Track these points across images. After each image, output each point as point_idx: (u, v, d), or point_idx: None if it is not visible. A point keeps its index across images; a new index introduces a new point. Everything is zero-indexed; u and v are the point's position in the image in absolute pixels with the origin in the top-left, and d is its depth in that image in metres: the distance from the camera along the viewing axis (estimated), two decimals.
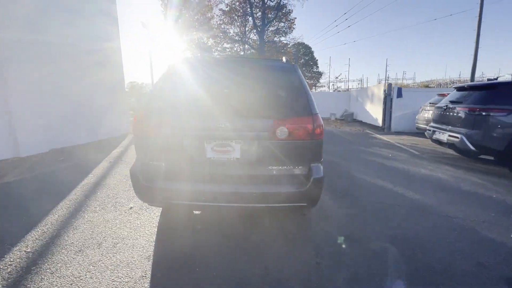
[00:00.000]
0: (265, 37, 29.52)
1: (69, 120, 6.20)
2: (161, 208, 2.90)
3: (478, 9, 16.25)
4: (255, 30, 29.89)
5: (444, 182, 4.00)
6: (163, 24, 23.14)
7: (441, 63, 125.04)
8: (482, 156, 4.66)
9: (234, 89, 2.31)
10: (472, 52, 16.42)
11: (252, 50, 31.11)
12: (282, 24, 31.50)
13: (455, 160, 5.42)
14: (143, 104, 2.31)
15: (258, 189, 2.08)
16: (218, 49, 31.42)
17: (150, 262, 2.00)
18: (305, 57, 50.36)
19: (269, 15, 29.21)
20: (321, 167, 2.17)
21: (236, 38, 31.66)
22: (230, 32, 31.51)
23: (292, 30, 31.95)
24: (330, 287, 1.77)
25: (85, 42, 6.64)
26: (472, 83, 5.55)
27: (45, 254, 2.07)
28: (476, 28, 16.44)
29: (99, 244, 2.23)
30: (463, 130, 4.64)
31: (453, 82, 46.83)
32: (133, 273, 1.87)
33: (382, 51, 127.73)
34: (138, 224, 2.60)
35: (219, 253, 2.14)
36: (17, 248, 2.15)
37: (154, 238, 2.35)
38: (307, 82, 2.34)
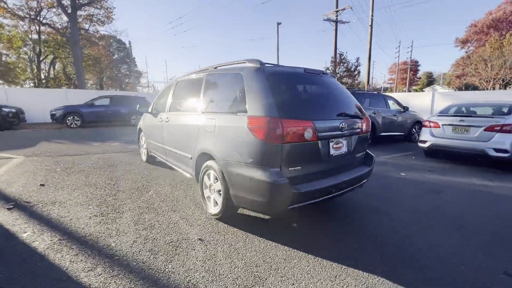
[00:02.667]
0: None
1: None
2: (234, 223, 2.59)
3: (276, 39, 23.05)
4: (59, 9, 23.03)
5: None
6: None
7: None
8: None
9: (329, 95, 2.71)
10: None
11: (59, 37, 23.93)
12: (98, 11, 26.47)
13: None
14: (269, 109, 2.12)
15: (358, 172, 2.73)
16: None
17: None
18: (119, 52, 45.41)
19: None
20: None
21: (21, 13, 22.85)
22: (5, 2, 22.13)
23: (111, 21, 27.63)
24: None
25: None
26: None
27: None
28: (276, 52, 23.33)
29: (263, 280, 1.87)
30: None
31: None
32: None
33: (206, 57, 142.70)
34: (248, 245, 2.26)
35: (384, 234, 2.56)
36: None
37: (284, 248, 2.27)
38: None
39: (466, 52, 31.84)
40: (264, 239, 2.38)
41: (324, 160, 2.42)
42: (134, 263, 1.99)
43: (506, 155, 4.65)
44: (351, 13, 42.13)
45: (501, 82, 23.62)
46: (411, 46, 50.74)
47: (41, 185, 3.69)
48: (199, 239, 2.36)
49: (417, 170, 5.04)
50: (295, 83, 2.53)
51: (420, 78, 63.27)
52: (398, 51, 52.41)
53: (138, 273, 1.87)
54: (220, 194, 2.62)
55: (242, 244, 2.30)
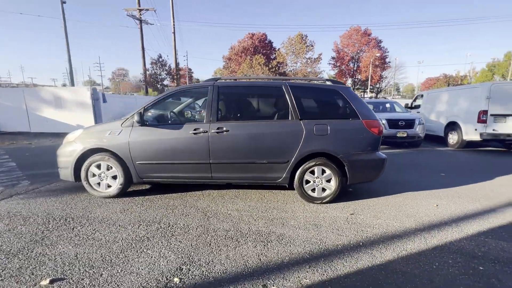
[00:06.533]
0: None
1: None
2: (338, 200, 3.54)
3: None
4: None
5: None
6: None
7: None
8: None
9: None
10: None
11: None
12: None
13: None
14: None
15: None
16: None
17: None
18: None
19: None
20: None
21: None
22: None
23: None
24: None
25: None
26: None
27: None
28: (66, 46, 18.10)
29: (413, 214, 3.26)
30: None
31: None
32: None
33: None
34: (382, 202, 3.41)
35: None
36: None
37: (379, 197, 3.71)
38: None
39: (229, 66, 43.20)
40: (370, 198, 3.63)
41: None
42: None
43: None
44: (157, 16, 40.43)
45: None
46: (186, 55, 58.79)
47: (51, 281, 1.84)
48: (351, 214, 3.14)
49: None
50: None
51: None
52: (181, 58, 58.69)
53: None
54: (329, 182, 3.41)
55: (375, 202, 3.41)
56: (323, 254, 2.27)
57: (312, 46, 39.84)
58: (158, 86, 18.38)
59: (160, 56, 18.75)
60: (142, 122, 3.34)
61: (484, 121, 7.12)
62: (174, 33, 25.22)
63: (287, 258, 2.20)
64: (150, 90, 19.46)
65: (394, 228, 2.78)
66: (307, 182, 3.42)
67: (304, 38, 39.86)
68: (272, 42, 43.65)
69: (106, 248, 2.29)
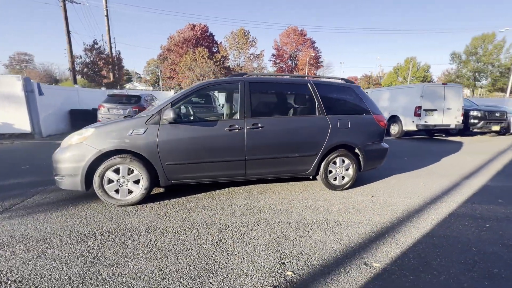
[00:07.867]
0: None
1: None
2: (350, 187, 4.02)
3: None
4: None
5: None
6: None
7: None
8: None
9: None
10: None
11: None
12: None
13: None
14: None
15: None
16: None
17: None
18: None
19: None
20: None
21: None
22: None
23: None
24: None
25: None
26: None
27: None
28: None
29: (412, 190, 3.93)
30: None
31: None
32: None
33: None
34: (394, 183, 3.97)
35: None
36: None
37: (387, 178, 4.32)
38: None
39: (168, 57, 40.35)
40: (372, 182, 4.19)
41: None
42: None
43: None
44: None
45: None
46: (114, 42, 52.09)
47: None
48: (372, 196, 3.62)
49: None
50: None
51: (123, 75, 67.55)
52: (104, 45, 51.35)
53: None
54: (348, 170, 3.84)
55: (380, 185, 3.97)
56: (382, 232, 2.63)
57: (254, 42, 40.70)
58: (96, 77, 15.88)
59: (95, 42, 16.14)
60: (173, 120, 3.05)
61: (419, 115, 8.87)
62: (107, 15, 22.03)
63: (360, 238, 2.47)
64: (85, 81, 16.43)
65: (410, 204, 3.37)
66: (330, 172, 3.76)
67: (246, 33, 40.34)
68: (214, 35, 42.70)
69: (187, 257, 2.11)
